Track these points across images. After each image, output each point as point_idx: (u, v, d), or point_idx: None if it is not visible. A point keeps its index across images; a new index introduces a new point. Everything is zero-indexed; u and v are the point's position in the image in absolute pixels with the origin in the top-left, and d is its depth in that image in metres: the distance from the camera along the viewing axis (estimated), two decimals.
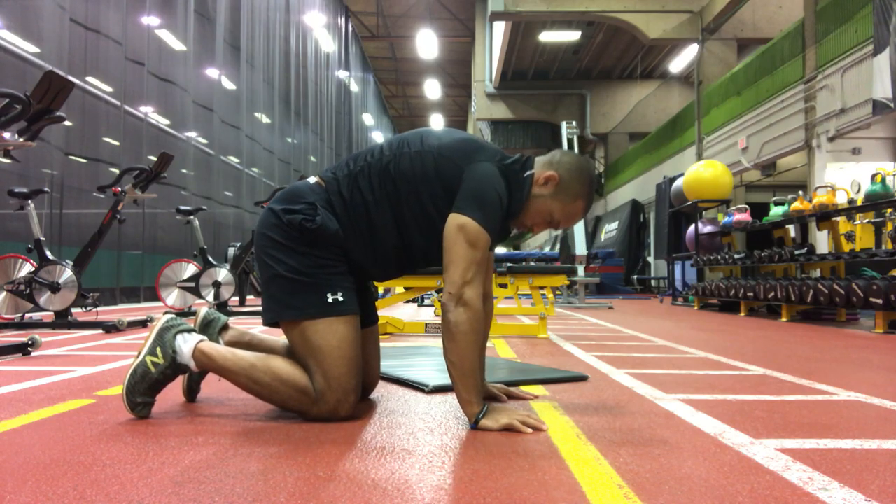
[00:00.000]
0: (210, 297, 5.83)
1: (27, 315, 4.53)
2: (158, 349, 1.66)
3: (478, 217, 1.54)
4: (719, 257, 7.47)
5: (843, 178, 8.27)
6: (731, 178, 9.51)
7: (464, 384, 1.53)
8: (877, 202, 4.90)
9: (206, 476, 1.16)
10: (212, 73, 10.55)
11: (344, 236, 1.67)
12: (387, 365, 2.45)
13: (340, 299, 1.63)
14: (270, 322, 1.68)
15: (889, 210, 5.67)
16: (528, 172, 1.69)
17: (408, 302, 8.46)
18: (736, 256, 7.03)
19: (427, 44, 19.11)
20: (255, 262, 1.75)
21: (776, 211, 6.48)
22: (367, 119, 24.09)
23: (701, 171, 9.36)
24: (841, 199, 5.84)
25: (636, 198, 16.67)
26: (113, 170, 7.34)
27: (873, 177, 4.93)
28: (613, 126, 19.95)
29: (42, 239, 4.35)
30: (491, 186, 1.58)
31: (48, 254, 4.37)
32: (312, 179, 1.74)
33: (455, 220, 1.55)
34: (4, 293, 4.37)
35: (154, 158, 5.01)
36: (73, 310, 4.44)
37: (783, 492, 1.09)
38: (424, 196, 1.64)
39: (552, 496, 1.06)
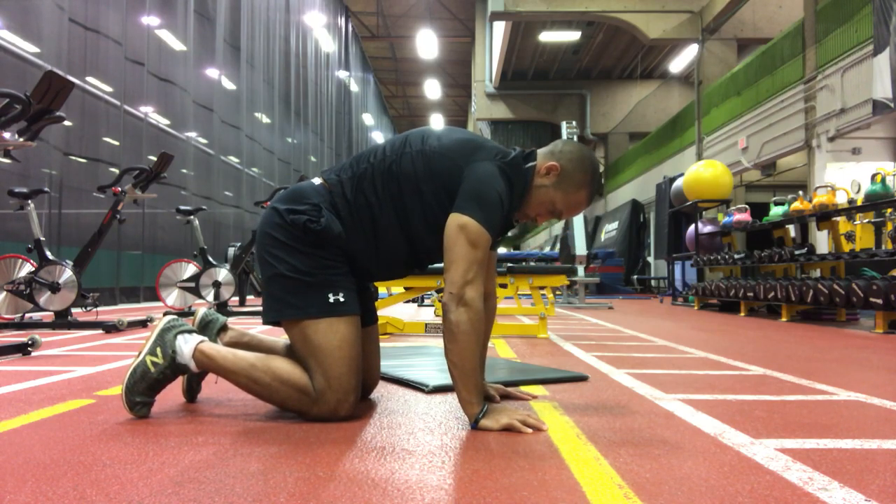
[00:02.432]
0: (210, 297, 5.83)
1: (27, 315, 4.53)
2: (159, 349, 1.66)
3: (478, 217, 1.54)
4: (719, 257, 7.47)
5: (843, 178, 8.26)
6: (731, 178, 9.51)
7: (465, 384, 1.53)
8: (877, 202, 4.90)
9: (206, 476, 1.16)
10: (212, 73, 10.55)
11: (347, 238, 1.67)
12: (387, 365, 2.44)
13: (342, 300, 1.63)
14: (271, 321, 1.68)
15: (889, 210, 5.67)
16: (530, 164, 1.69)
17: (408, 302, 8.46)
18: (736, 256, 7.02)
19: (427, 44, 19.10)
20: (255, 261, 1.76)
21: (776, 211, 6.48)
22: (367, 119, 24.08)
23: (701, 171, 9.35)
24: (841, 199, 5.83)
25: (636, 198, 16.67)
26: (113, 170, 7.34)
27: (873, 177, 4.93)
28: (613, 126, 19.94)
29: (42, 239, 4.35)
30: (491, 186, 1.58)
31: (48, 254, 4.37)
32: (317, 181, 1.74)
33: (456, 219, 1.56)
34: (4, 293, 4.37)
35: (154, 158, 5.01)
36: (73, 310, 4.44)
37: (783, 492, 1.09)
38: (427, 195, 1.64)
39: (552, 496, 1.06)
